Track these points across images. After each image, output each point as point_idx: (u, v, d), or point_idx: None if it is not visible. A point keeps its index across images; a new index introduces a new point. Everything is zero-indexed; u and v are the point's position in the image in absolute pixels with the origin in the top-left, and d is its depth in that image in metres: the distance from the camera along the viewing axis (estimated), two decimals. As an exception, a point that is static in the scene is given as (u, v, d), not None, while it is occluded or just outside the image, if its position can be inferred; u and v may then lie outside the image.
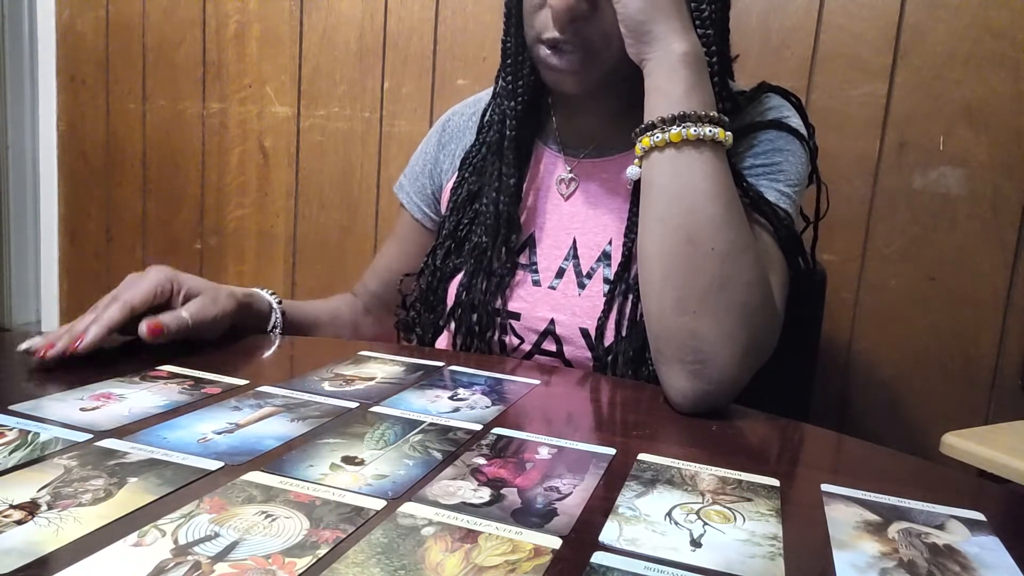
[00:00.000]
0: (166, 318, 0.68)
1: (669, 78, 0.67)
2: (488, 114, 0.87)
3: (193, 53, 1.79)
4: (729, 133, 0.67)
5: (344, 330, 0.96)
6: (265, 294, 0.83)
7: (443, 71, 1.57)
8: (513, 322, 0.81)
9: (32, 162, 2.04)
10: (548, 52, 0.73)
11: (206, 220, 1.84)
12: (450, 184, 0.91)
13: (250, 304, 0.80)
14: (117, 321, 0.66)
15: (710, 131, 0.65)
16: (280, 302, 0.84)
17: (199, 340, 0.72)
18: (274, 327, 0.83)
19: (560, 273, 0.81)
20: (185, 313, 0.70)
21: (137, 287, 0.69)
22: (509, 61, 0.80)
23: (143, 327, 0.67)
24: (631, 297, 0.76)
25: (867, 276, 1.31)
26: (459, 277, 0.85)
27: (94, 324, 0.65)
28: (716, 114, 0.66)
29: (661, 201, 0.66)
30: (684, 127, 0.65)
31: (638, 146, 0.68)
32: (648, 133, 0.67)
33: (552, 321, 0.80)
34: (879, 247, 1.30)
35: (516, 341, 0.81)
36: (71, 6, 1.89)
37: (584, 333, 0.78)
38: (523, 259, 0.83)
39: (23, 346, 0.63)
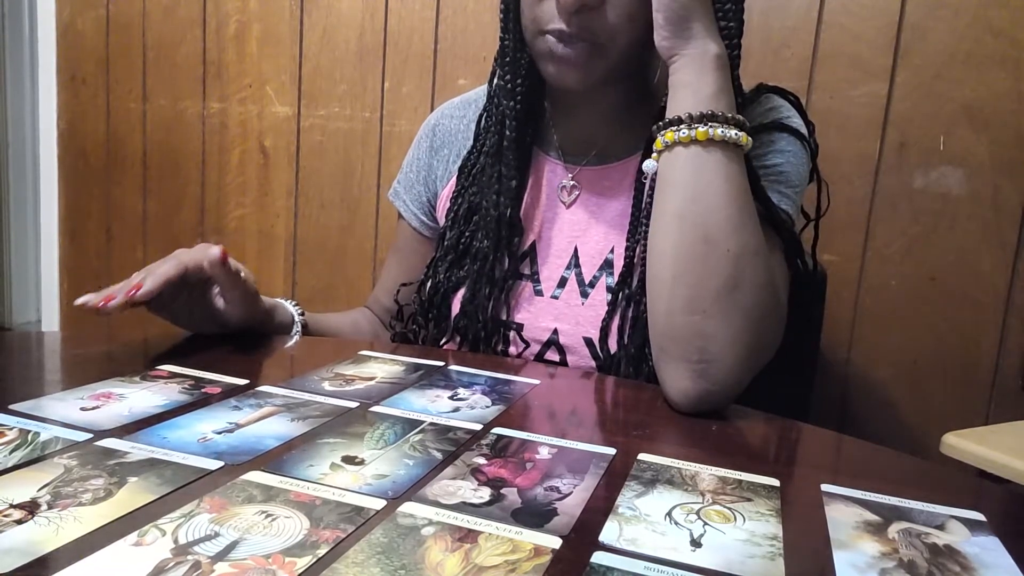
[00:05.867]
0: (231, 261, 0.71)
1: (700, 77, 0.66)
2: (484, 119, 0.85)
3: (193, 52, 1.78)
4: (750, 138, 0.67)
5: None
6: (289, 305, 0.83)
7: (444, 71, 1.57)
8: (516, 332, 0.81)
9: (32, 161, 2.04)
10: (553, 40, 0.71)
11: (206, 220, 1.84)
12: (446, 190, 0.90)
13: (272, 314, 0.80)
14: (172, 276, 0.67)
15: (735, 134, 0.65)
16: (303, 314, 0.83)
17: (205, 330, 0.74)
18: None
19: (562, 282, 0.80)
20: (245, 271, 0.72)
21: (189, 252, 0.70)
22: (508, 59, 0.78)
23: (217, 248, 0.69)
24: (633, 305, 0.75)
25: (867, 276, 1.31)
26: (462, 291, 0.83)
27: (149, 277, 0.66)
28: (740, 117, 0.66)
29: (680, 198, 0.66)
30: (711, 127, 0.65)
31: (660, 139, 0.67)
32: (673, 128, 0.66)
33: (555, 331, 0.79)
34: (879, 247, 1.30)
35: (520, 351, 0.81)
36: (71, 5, 1.89)
37: (588, 342, 0.78)
38: (524, 268, 0.82)
39: (79, 301, 0.64)
